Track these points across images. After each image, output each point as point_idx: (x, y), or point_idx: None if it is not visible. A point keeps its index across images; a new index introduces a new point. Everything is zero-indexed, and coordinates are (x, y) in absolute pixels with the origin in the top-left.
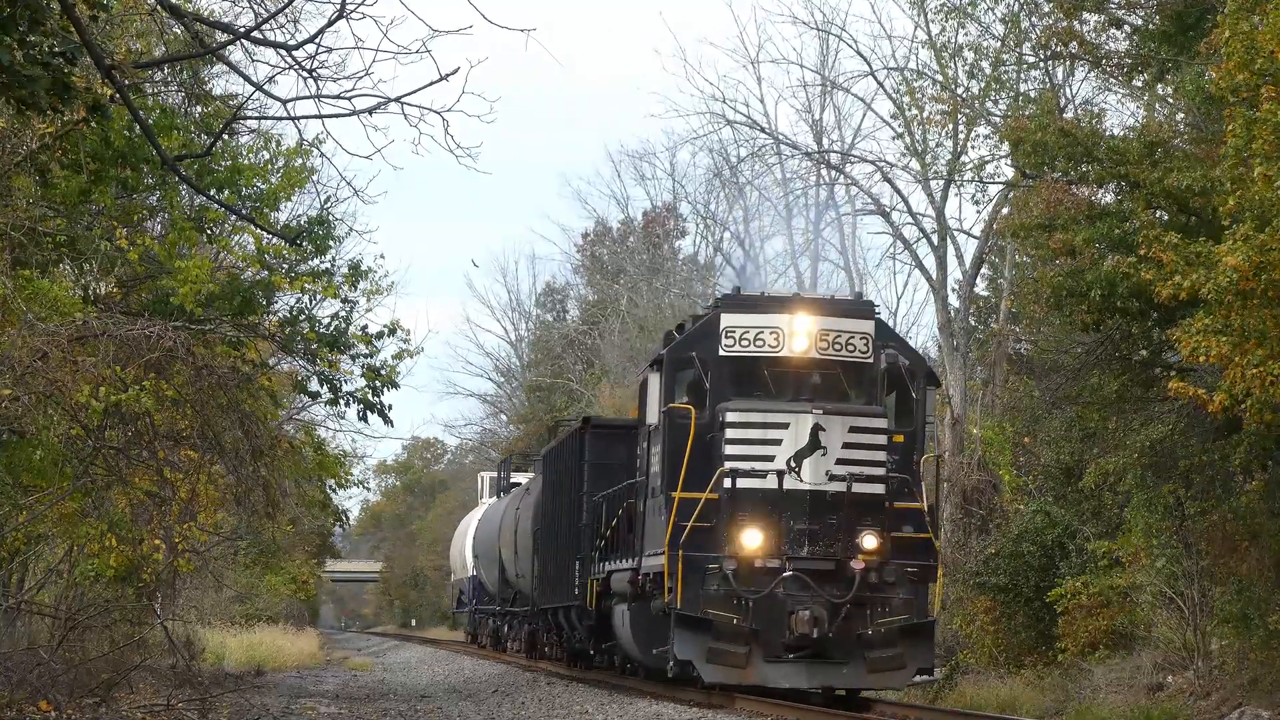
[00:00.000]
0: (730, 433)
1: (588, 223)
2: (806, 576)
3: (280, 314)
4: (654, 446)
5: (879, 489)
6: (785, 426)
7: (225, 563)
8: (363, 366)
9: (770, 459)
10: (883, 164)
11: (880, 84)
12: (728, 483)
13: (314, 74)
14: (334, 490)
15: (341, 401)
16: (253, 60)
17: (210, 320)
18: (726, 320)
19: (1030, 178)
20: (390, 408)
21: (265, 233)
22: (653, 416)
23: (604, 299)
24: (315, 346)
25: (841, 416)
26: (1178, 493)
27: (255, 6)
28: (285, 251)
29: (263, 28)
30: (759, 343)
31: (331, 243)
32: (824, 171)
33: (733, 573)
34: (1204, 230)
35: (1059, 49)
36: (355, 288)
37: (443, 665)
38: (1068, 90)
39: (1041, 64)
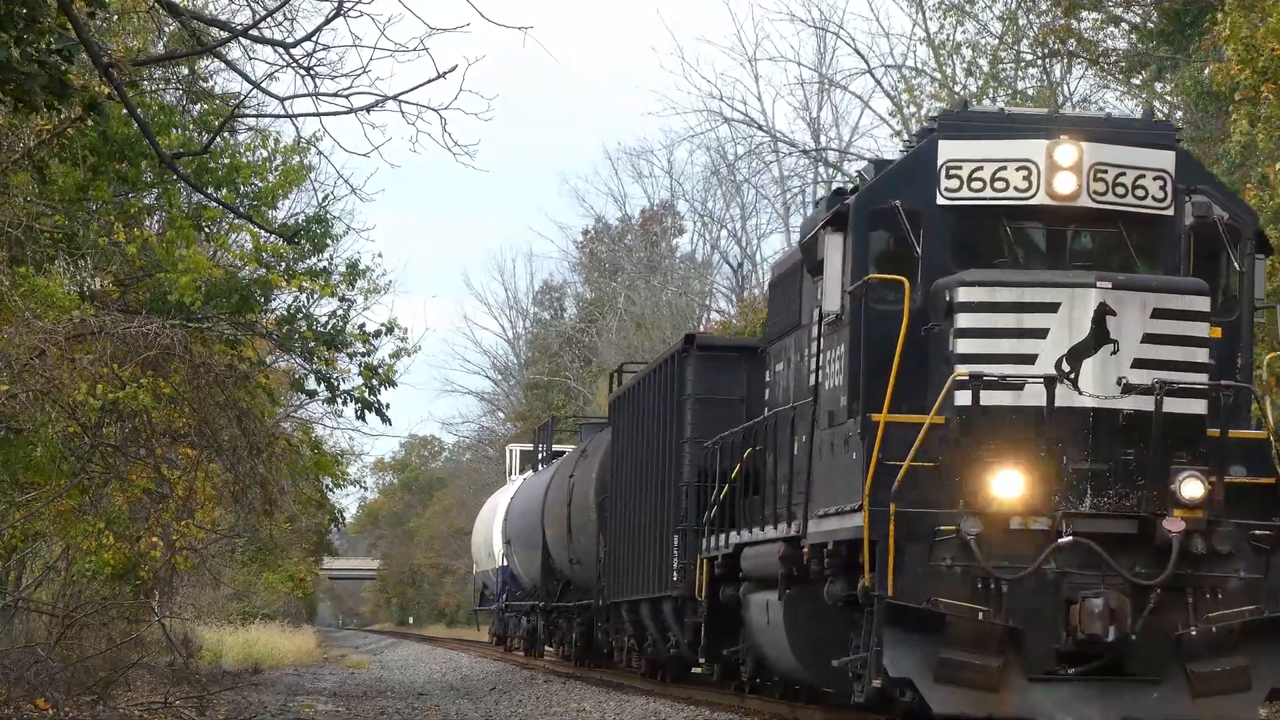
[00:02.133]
0: (965, 319)
1: (586, 220)
2: (1094, 544)
3: (278, 312)
4: (832, 348)
5: (1201, 407)
6: (1053, 309)
7: (223, 560)
8: (360, 365)
9: (1030, 359)
10: (881, 162)
11: (878, 81)
12: (963, 397)
13: (311, 72)
14: (331, 489)
15: (339, 400)
16: (250, 58)
17: (208, 318)
18: (949, 151)
19: None
20: (388, 406)
21: (263, 231)
22: (831, 301)
23: (601, 297)
24: (313, 345)
25: (1141, 293)
26: None
27: (253, 4)
28: (283, 250)
29: (260, 25)
30: (1000, 184)
31: (329, 241)
32: (821, 169)
33: (976, 539)
34: None
35: (1057, 46)
36: (353, 286)
37: (440, 663)
38: (1065, 88)
39: (1039, 61)
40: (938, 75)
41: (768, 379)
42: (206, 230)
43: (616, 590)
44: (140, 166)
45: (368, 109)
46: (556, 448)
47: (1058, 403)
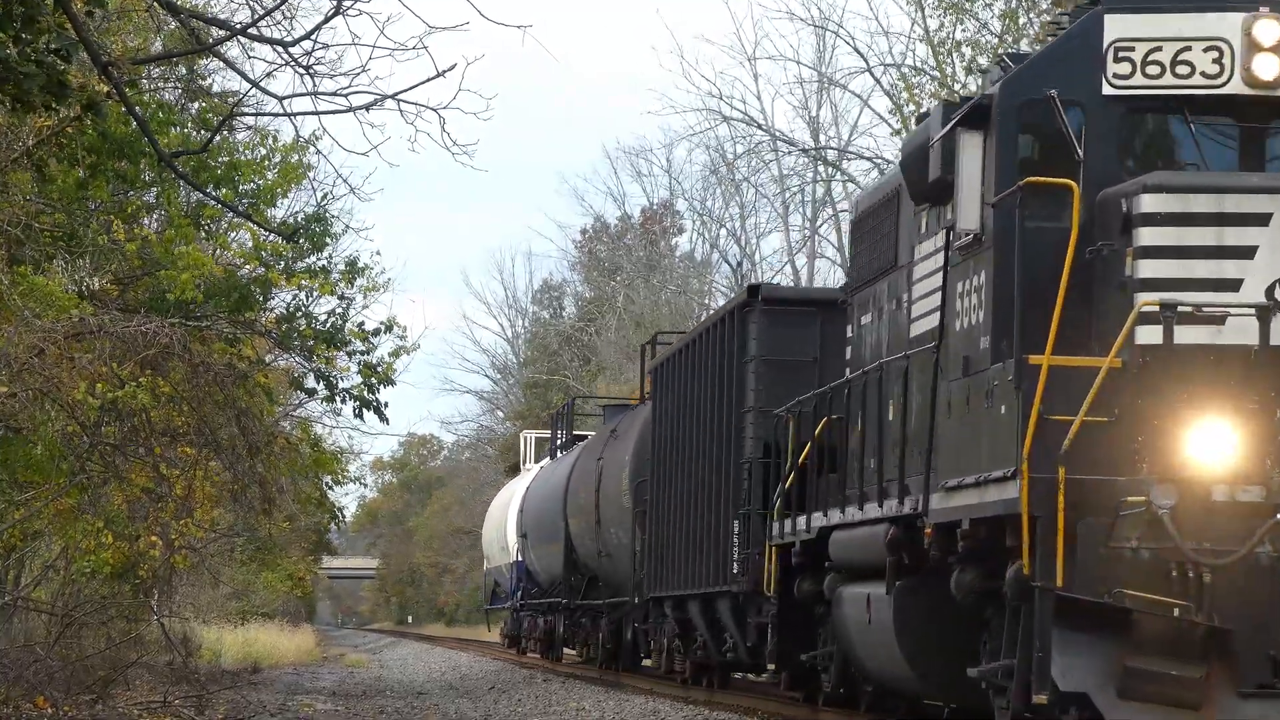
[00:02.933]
0: (1148, 235)
1: (585, 219)
2: None
3: (277, 310)
4: (967, 277)
5: None
6: (1263, 221)
7: (222, 559)
8: (359, 363)
9: (1233, 285)
10: (880, 160)
11: (877, 80)
12: (1149, 333)
13: (310, 71)
14: (330, 487)
15: (338, 399)
16: (249, 57)
17: (207, 316)
18: (1117, 28)
19: None
20: (386, 405)
21: (262, 229)
22: (968, 217)
23: (601, 296)
24: (312, 343)
25: None
26: None
27: (251, 3)
28: (282, 249)
29: (259, 24)
30: (1183, 69)
31: (329, 240)
32: (821, 168)
33: (1169, 514)
34: None
35: None
36: (352, 284)
37: (440, 662)
38: None
39: None
40: (937, 74)
41: (850, 334)
42: (206, 229)
43: (658, 585)
44: (139, 165)
45: (366, 108)
46: (577, 432)
47: (1271, 340)
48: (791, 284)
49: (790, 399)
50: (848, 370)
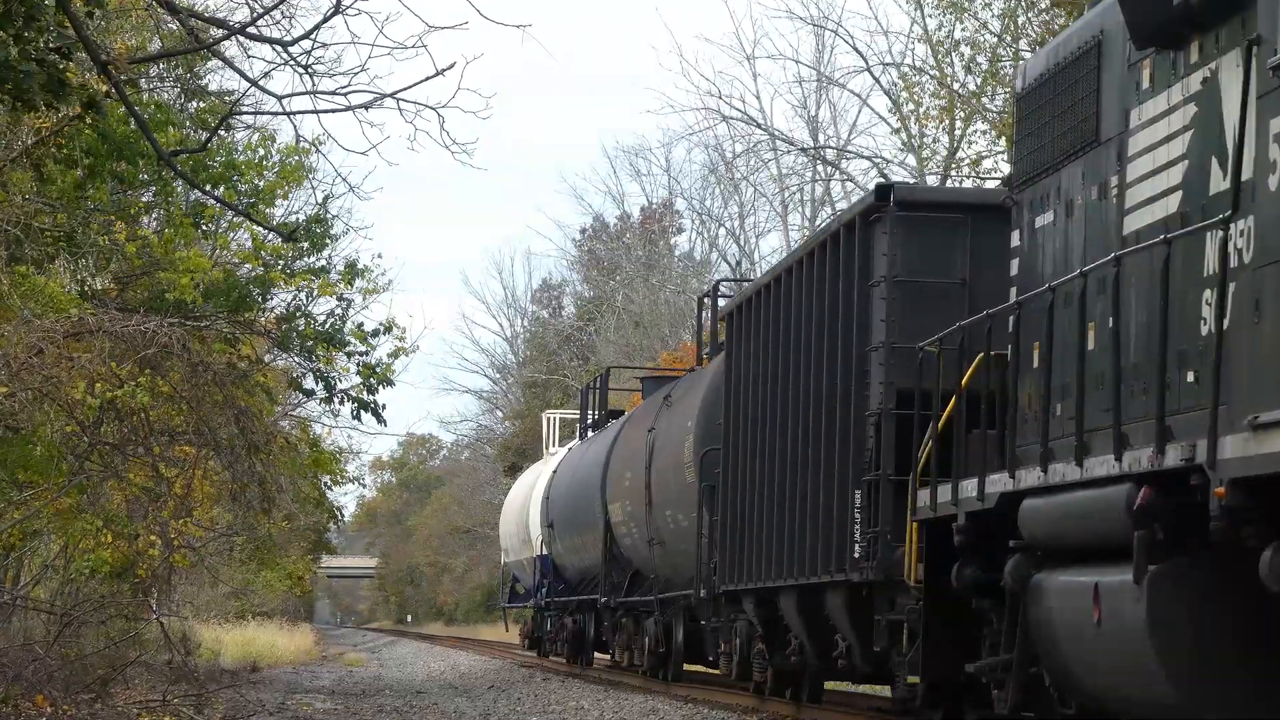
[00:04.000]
0: None
1: (584, 219)
2: None
3: (276, 310)
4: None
5: None
6: None
7: (221, 559)
8: (358, 364)
9: None
10: (879, 160)
11: (876, 79)
12: None
13: (310, 70)
14: (329, 487)
15: (336, 399)
16: (248, 56)
17: (206, 316)
18: None
19: None
20: (384, 406)
21: (261, 228)
22: None
23: (600, 295)
24: (311, 343)
25: None
26: None
27: (250, 2)
28: (282, 250)
29: (258, 23)
30: None
31: (329, 240)
32: (820, 167)
33: None
34: None
35: None
36: (351, 285)
37: (439, 661)
38: None
39: None
40: (936, 74)
41: (1018, 241)
42: (205, 229)
43: (734, 575)
44: (138, 165)
45: (366, 107)
46: (612, 409)
47: None
48: None
49: (930, 333)
50: (1013, 290)
